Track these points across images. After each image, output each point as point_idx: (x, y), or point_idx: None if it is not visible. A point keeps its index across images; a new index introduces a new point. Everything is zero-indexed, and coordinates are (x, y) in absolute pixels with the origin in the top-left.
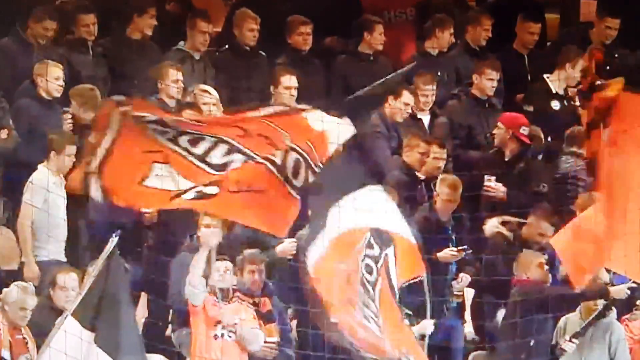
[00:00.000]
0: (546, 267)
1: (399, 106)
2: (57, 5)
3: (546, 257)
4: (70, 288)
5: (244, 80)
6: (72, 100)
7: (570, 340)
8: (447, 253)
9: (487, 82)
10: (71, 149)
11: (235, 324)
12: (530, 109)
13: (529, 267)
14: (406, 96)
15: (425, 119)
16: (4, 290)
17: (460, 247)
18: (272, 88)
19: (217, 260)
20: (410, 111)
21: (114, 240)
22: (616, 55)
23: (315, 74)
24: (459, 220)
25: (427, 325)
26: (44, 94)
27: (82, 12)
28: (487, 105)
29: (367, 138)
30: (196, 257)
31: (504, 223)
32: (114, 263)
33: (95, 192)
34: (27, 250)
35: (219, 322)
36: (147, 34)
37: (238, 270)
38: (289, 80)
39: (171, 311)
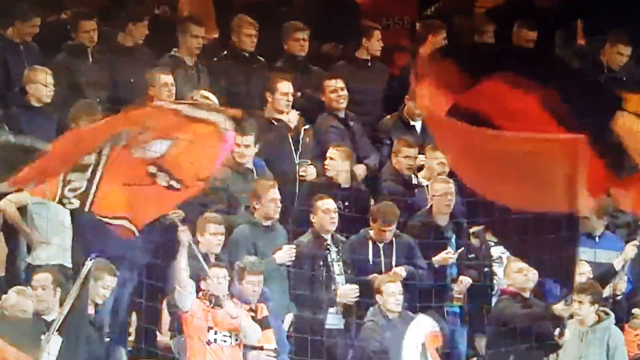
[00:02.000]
0: (527, 273)
1: (331, 96)
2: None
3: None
4: (41, 287)
5: (243, 86)
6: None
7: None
8: (443, 256)
9: None
10: None
11: (237, 317)
12: None
13: (510, 274)
14: (337, 82)
15: (418, 124)
16: (3, 296)
17: (455, 250)
18: (267, 94)
19: (213, 266)
20: (345, 93)
21: (88, 265)
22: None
23: (313, 80)
24: (458, 226)
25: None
26: (34, 102)
27: (83, 19)
28: None
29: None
30: (177, 256)
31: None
32: (86, 286)
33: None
34: (20, 225)
35: (210, 327)
36: (139, 41)
37: (237, 278)
38: (286, 87)
39: (169, 317)
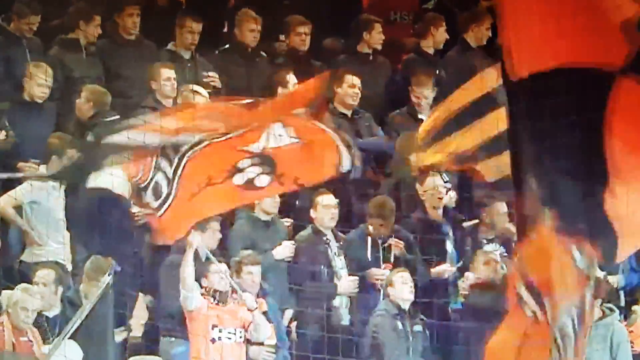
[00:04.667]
0: (496, 263)
1: (345, 91)
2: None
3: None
4: (42, 283)
5: (245, 80)
6: (82, 92)
7: None
8: (442, 269)
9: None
10: (72, 152)
11: (229, 333)
12: None
13: (477, 267)
14: (349, 79)
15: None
16: (8, 292)
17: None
18: (280, 90)
19: (214, 262)
20: (358, 92)
21: (107, 279)
22: None
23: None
24: (454, 221)
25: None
26: (27, 97)
27: (83, 17)
28: None
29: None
30: (184, 259)
31: None
32: (105, 300)
33: None
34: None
35: (215, 325)
36: (135, 32)
37: (235, 271)
38: (294, 80)
39: (160, 315)
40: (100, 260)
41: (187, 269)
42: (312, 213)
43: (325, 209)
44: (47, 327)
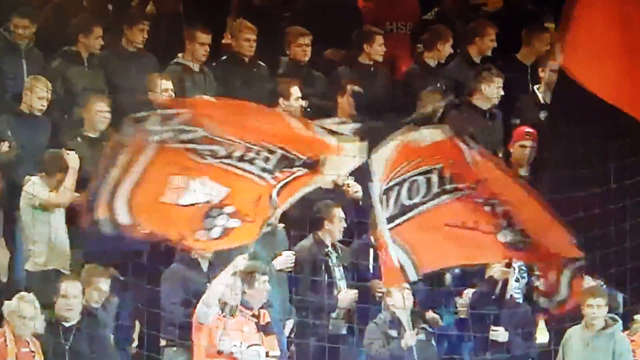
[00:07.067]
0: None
1: (348, 100)
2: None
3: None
4: (72, 296)
5: (244, 91)
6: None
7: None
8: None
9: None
10: (60, 175)
11: (234, 346)
12: (517, 121)
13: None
14: (351, 89)
15: None
16: (6, 302)
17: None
18: (281, 100)
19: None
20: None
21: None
22: None
23: (315, 86)
24: None
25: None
26: (25, 109)
27: (83, 30)
28: (487, 116)
29: None
30: (221, 277)
31: None
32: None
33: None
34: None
35: (222, 337)
36: (139, 46)
37: (247, 282)
38: (298, 92)
39: (162, 324)
40: (95, 266)
41: (219, 288)
42: (328, 225)
43: (339, 222)
44: (62, 337)
